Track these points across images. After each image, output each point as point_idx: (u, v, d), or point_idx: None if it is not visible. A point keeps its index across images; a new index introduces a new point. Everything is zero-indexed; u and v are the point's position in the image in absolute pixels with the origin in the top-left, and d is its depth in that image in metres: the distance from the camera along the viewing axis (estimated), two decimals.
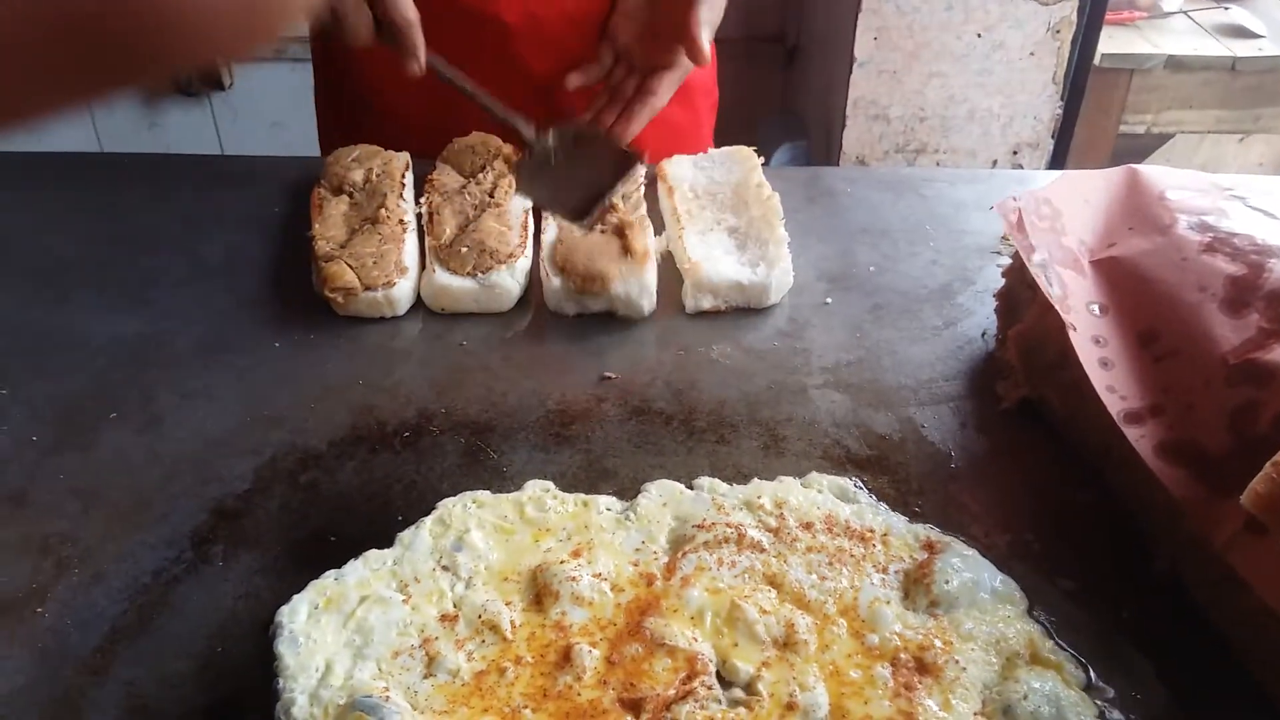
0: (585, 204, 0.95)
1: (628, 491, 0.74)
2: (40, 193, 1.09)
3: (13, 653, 0.63)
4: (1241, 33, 2.33)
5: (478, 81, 0.97)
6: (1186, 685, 0.61)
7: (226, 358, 0.86)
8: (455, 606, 0.64)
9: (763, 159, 1.08)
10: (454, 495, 0.71)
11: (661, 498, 0.72)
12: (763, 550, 0.67)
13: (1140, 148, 2.37)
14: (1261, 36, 2.32)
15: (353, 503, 0.73)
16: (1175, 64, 2.27)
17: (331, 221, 0.96)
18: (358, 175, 1.01)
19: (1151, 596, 0.67)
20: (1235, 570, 0.59)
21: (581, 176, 0.97)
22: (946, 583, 0.64)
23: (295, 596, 0.64)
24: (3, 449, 0.77)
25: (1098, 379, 0.71)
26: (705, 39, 1.01)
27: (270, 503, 0.73)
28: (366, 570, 0.66)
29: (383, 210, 0.96)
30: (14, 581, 0.67)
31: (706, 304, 0.93)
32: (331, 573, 0.66)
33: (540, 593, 0.64)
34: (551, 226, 0.98)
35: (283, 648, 0.61)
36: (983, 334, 0.91)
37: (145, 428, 0.79)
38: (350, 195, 1.00)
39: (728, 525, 0.68)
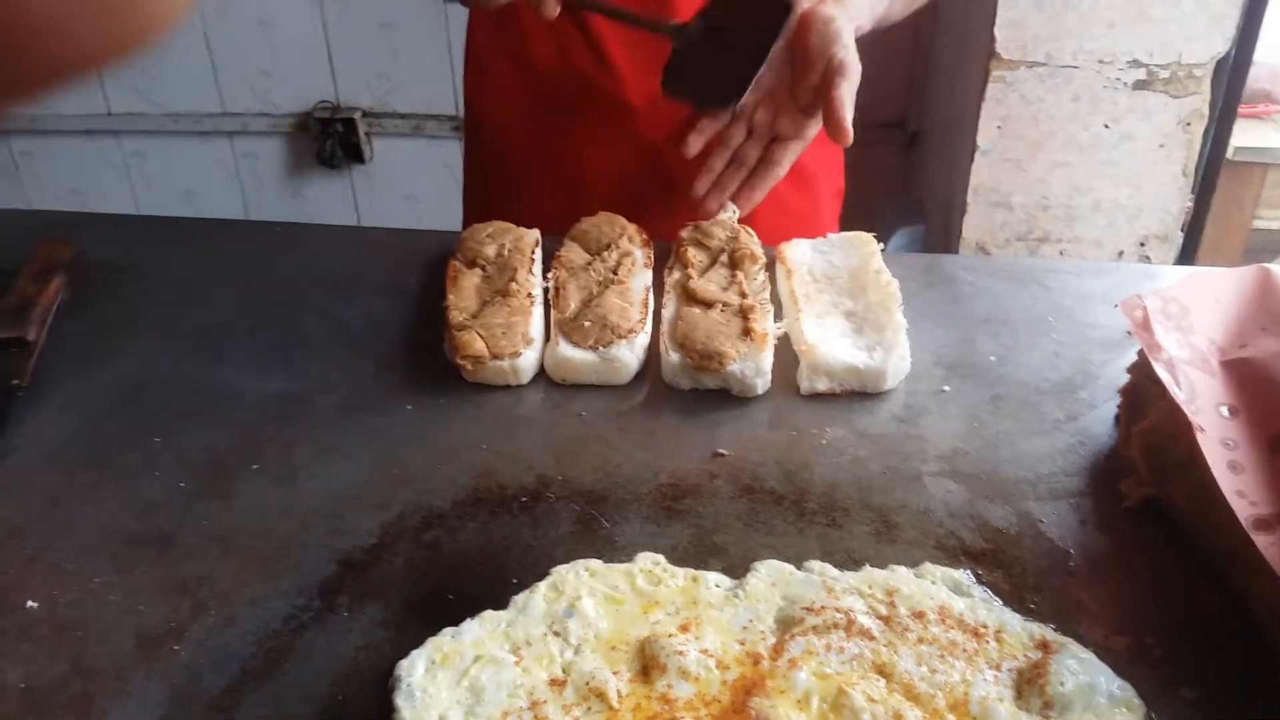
0: (739, 80, 0.96)
1: (737, 569, 0.74)
2: (194, 257, 1.18)
3: (150, 688, 0.67)
4: None
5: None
6: None
7: (362, 417, 0.91)
8: (564, 672, 0.65)
9: (882, 244, 1.09)
10: (568, 562, 0.73)
11: (770, 578, 0.72)
12: (872, 638, 0.67)
13: (1275, 244, 2.29)
14: None
15: (472, 563, 0.76)
16: None
17: (465, 292, 1.01)
18: (490, 250, 1.06)
19: (1277, 709, 0.64)
20: None
21: (730, 54, 0.98)
22: (1062, 684, 0.62)
23: (414, 651, 0.67)
24: (154, 494, 0.83)
25: (1226, 483, 0.69)
26: (849, 117, 1.02)
27: (395, 558, 0.76)
28: (482, 630, 0.68)
29: (513, 284, 1.01)
30: (155, 619, 0.72)
31: (821, 386, 0.94)
32: (449, 630, 0.68)
33: (647, 664, 0.65)
34: (672, 303, 1.01)
35: (401, 700, 0.63)
36: (1105, 430, 0.89)
37: (283, 480, 0.84)
38: (483, 268, 1.05)
39: (837, 610, 0.68)
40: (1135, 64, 2.06)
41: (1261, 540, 0.65)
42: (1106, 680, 0.64)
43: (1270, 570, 0.64)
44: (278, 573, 0.75)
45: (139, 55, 0.40)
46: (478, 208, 1.36)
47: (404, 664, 0.66)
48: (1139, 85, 2.08)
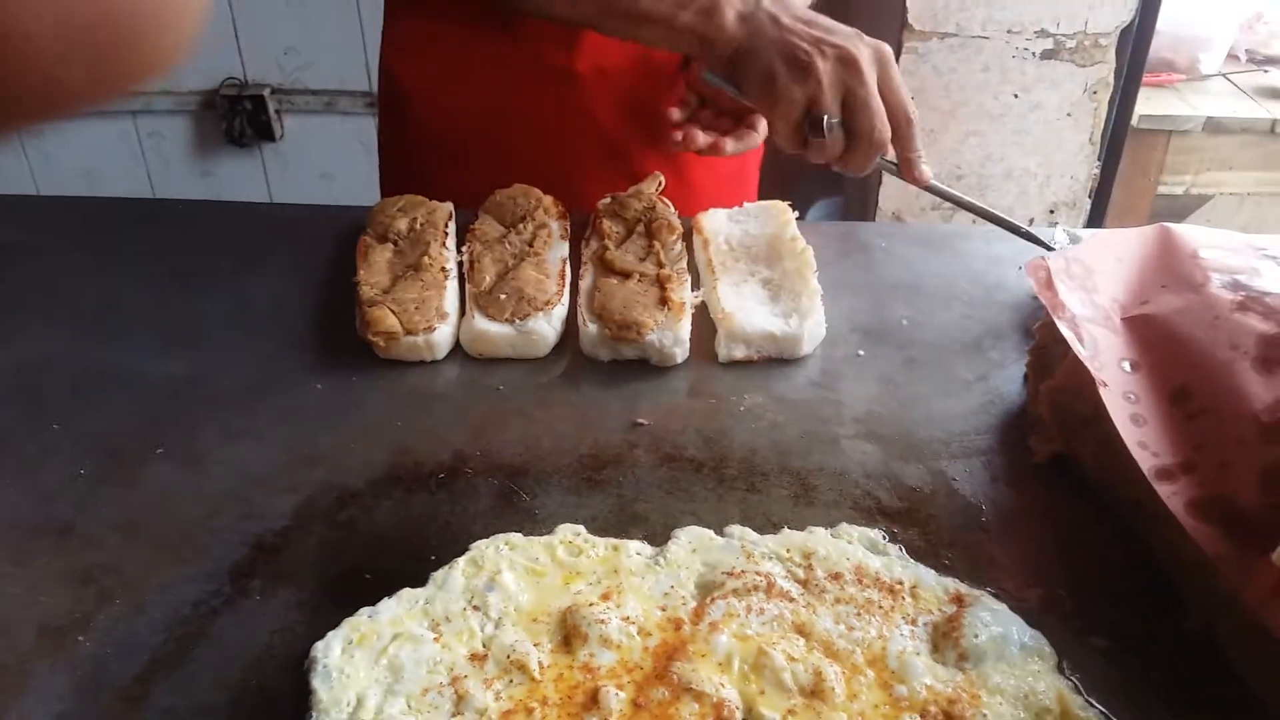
0: None
1: (658, 537, 0.74)
2: (93, 236, 1.13)
3: (54, 680, 0.64)
4: None
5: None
6: None
7: (270, 398, 0.89)
8: (485, 646, 0.64)
9: (797, 214, 1.09)
10: (487, 537, 0.72)
11: (691, 544, 0.72)
12: (791, 599, 0.67)
13: (1179, 209, 2.37)
14: None
15: (388, 541, 0.74)
16: (1214, 126, 2.27)
17: (376, 268, 0.99)
18: (402, 224, 1.04)
19: (1184, 655, 0.66)
20: (1269, 628, 0.58)
21: None
22: (975, 636, 0.64)
23: (330, 632, 0.65)
24: (51, 482, 0.80)
25: (1129, 435, 0.71)
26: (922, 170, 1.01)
27: (308, 539, 0.74)
28: (400, 608, 0.67)
29: (425, 258, 0.99)
30: (57, 610, 0.69)
31: (739, 354, 0.95)
32: (365, 610, 0.67)
33: (569, 635, 0.65)
34: (589, 274, 1.00)
35: (317, 682, 0.62)
36: (1014, 389, 0.91)
37: (189, 464, 0.81)
38: (395, 243, 1.02)
39: (757, 573, 0.69)
40: (1043, 34, 2.10)
41: (1164, 489, 0.68)
42: (1019, 631, 0.65)
43: (1173, 519, 0.66)
44: (186, 558, 0.73)
45: (138, 85, 0.39)
46: (396, 185, 1.32)
47: (319, 645, 0.64)
48: (1046, 55, 2.12)
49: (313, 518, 0.76)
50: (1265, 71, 2.43)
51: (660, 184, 1.12)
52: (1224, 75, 2.43)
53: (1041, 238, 1.02)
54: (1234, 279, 0.77)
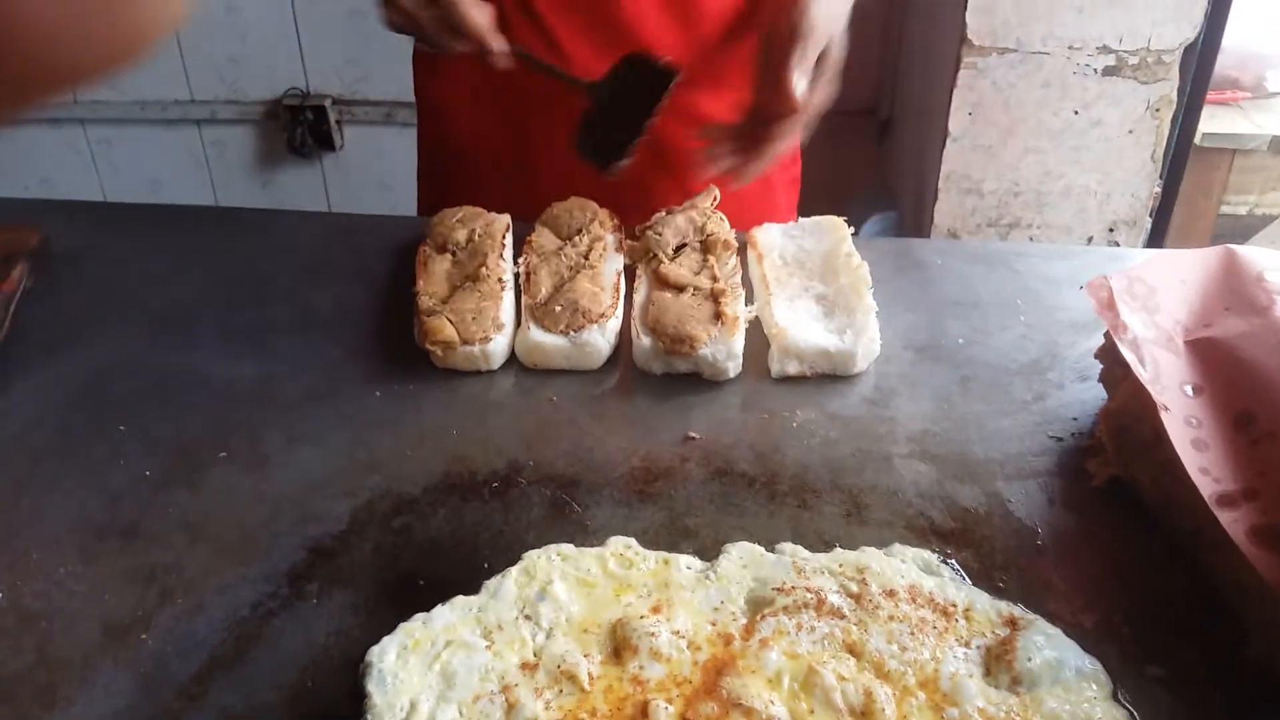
0: (621, 144, 1.00)
1: (708, 551, 0.74)
2: (161, 241, 1.17)
3: (117, 676, 0.66)
4: None
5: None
6: None
7: (332, 404, 0.91)
8: (536, 655, 0.65)
9: (853, 229, 1.09)
10: (539, 546, 0.73)
11: (742, 559, 0.72)
12: (843, 617, 0.67)
13: (1242, 229, 2.32)
14: None
15: (442, 548, 0.75)
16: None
17: (435, 278, 1.00)
18: (461, 235, 1.06)
19: (1244, 684, 0.65)
20: None
21: (625, 116, 1.02)
22: (1029, 660, 0.63)
23: (385, 637, 0.66)
24: (118, 483, 0.82)
25: (1190, 460, 0.69)
26: (798, 84, 1.00)
27: (365, 544, 0.76)
28: (453, 615, 0.68)
29: (483, 269, 1.00)
30: (121, 608, 0.71)
31: (792, 369, 0.95)
32: (420, 616, 0.68)
33: (619, 646, 0.66)
34: (643, 287, 1.01)
35: (371, 686, 0.63)
36: (1072, 411, 0.90)
37: (252, 467, 0.83)
38: (453, 254, 1.04)
39: (808, 590, 0.69)
40: (1105, 50, 2.07)
41: (1225, 517, 0.66)
42: (1074, 656, 0.64)
43: (1234, 545, 0.64)
44: (246, 560, 0.74)
45: (130, 65, 0.40)
46: (431, 195, 1.35)
47: (375, 650, 0.65)
48: (1108, 71, 2.09)
49: (369, 523, 0.78)
50: None
51: (715, 198, 1.13)
52: None
53: None
54: None
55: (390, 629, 0.67)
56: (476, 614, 0.68)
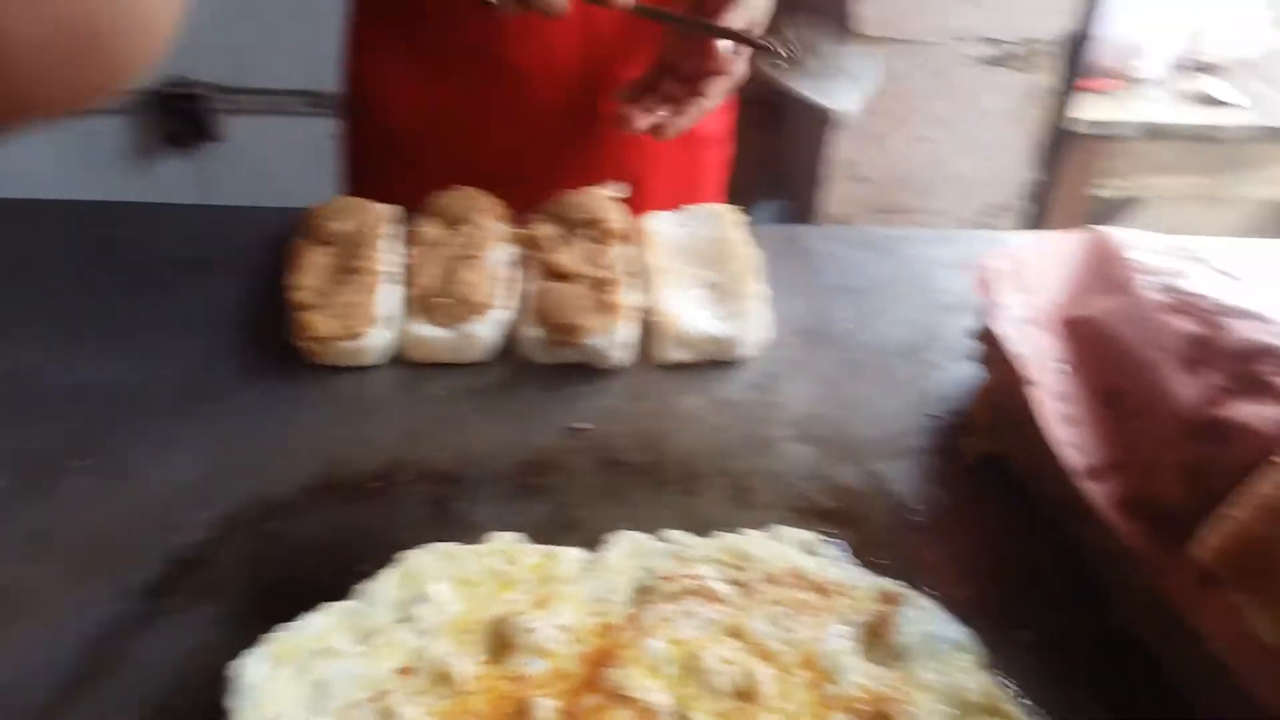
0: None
1: (594, 543, 0.73)
2: (22, 238, 1.10)
3: None
4: (1216, 102, 2.39)
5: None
6: None
7: (200, 405, 0.87)
8: (413, 660, 0.63)
9: (745, 217, 1.09)
10: (419, 546, 0.71)
11: (627, 549, 0.72)
12: (726, 602, 0.67)
13: (1113, 212, 2.41)
14: (1235, 106, 2.37)
15: (316, 554, 0.72)
16: (1151, 131, 2.31)
17: (310, 271, 0.97)
18: (339, 227, 1.02)
19: (1109, 647, 0.67)
20: (1188, 621, 0.59)
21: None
22: (905, 634, 0.64)
23: (252, 649, 0.63)
24: None
25: (1060, 436, 0.71)
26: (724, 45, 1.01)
27: (232, 553, 0.72)
28: (325, 623, 0.65)
29: (361, 261, 0.97)
30: None
31: (681, 357, 0.94)
32: (289, 625, 0.65)
33: (500, 645, 0.64)
34: (531, 277, 0.99)
35: (236, 701, 0.60)
36: (950, 390, 0.91)
37: (111, 475, 0.79)
38: (331, 246, 1.00)
39: (691, 577, 0.68)
40: (988, 41, 2.12)
41: (1093, 489, 0.68)
42: (948, 628, 0.65)
43: (1100, 516, 0.66)
44: (103, 575, 0.70)
45: (109, 98, 0.39)
46: (357, 189, 1.30)
47: (239, 663, 0.62)
48: (992, 62, 2.15)
49: (237, 530, 0.74)
50: (1201, 79, 2.48)
51: (617, 190, 1.11)
52: (1162, 82, 2.48)
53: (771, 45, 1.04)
54: (1163, 281, 0.77)
55: (258, 641, 0.64)
56: (350, 620, 0.66)
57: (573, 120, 1.19)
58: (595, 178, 1.13)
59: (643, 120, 1.05)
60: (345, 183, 1.36)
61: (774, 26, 0.96)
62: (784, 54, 1.03)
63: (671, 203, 1.12)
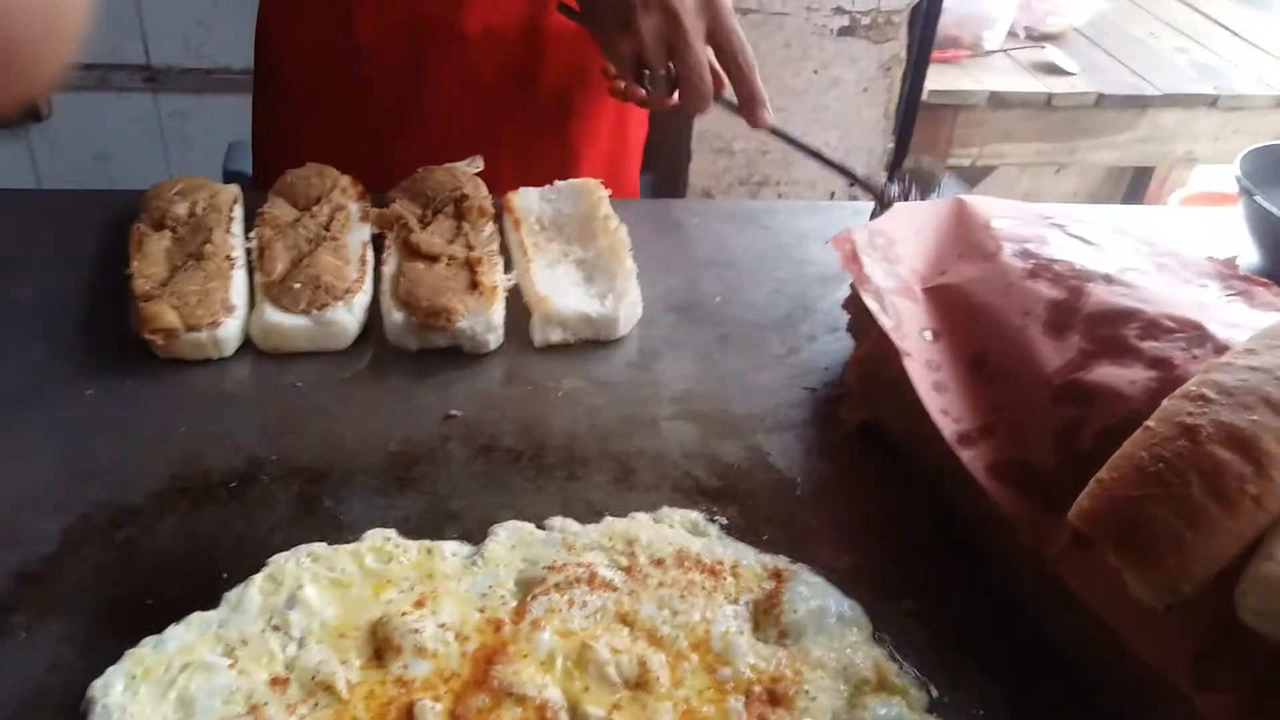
0: None
1: (475, 535, 0.71)
2: None
3: None
4: (1056, 70, 2.50)
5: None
6: (1025, 697, 0.63)
7: (37, 408, 0.80)
8: (287, 669, 0.60)
9: (609, 191, 1.07)
10: (286, 549, 0.67)
11: (510, 540, 0.70)
12: (615, 589, 0.66)
13: (967, 179, 2.50)
14: (1073, 74, 2.48)
15: (174, 561, 0.68)
16: (996, 100, 2.40)
17: (152, 258, 0.90)
18: (181, 209, 0.95)
19: (987, 610, 0.69)
20: (1066, 583, 0.61)
21: None
22: (794, 611, 0.64)
23: (109, 668, 0.59)
24: None
25: (932, 403, 0.73)
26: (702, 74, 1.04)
27: (81, 565, 0.67)
28: (189, 635, 0.61)
29: (208, 246, 0.91)
30: None
31: (555, 337, 0.92)
32: (150, 639, 0.61)
33: (380, 648, 0.61)
34: (393, 259, 0.95)
35: None
36: (824, 361, 0.92)
37: None
38: (173, 230, 0.94)
39: (579, 565, 0.67)
40: (839, 11, 2.16)
41: (965, 454, 0.70)
42: (836, 602, 0.66)
43: (974, 481, 0.68)
44: None
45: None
46: (274, 163, 1.21)
47: (98, 684, 0.58)
48: (843, 31, 2.18)
49: (85, 541, 0.69)
50: (1042, 48, 2.58)
51: (479, 166, 1.08)
52: (1005, 51, 2.57)
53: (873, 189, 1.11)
54: (1024, 248, 0.80)
55: (116, 658, 0.60)
56: (217, 630, 0.62)
57: (507, 84, 1.16)
58: (535, 146, 1.11)
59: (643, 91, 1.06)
60: (261, 159, 1.29)
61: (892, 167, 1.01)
62: (885, 201, 1.09)
63: (605, 173, 1.11)
